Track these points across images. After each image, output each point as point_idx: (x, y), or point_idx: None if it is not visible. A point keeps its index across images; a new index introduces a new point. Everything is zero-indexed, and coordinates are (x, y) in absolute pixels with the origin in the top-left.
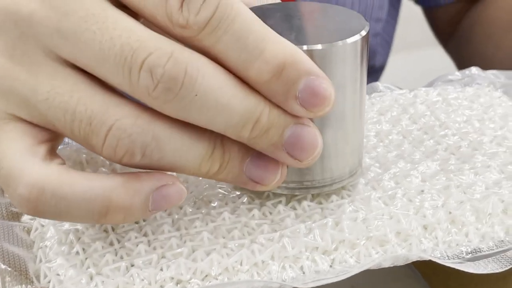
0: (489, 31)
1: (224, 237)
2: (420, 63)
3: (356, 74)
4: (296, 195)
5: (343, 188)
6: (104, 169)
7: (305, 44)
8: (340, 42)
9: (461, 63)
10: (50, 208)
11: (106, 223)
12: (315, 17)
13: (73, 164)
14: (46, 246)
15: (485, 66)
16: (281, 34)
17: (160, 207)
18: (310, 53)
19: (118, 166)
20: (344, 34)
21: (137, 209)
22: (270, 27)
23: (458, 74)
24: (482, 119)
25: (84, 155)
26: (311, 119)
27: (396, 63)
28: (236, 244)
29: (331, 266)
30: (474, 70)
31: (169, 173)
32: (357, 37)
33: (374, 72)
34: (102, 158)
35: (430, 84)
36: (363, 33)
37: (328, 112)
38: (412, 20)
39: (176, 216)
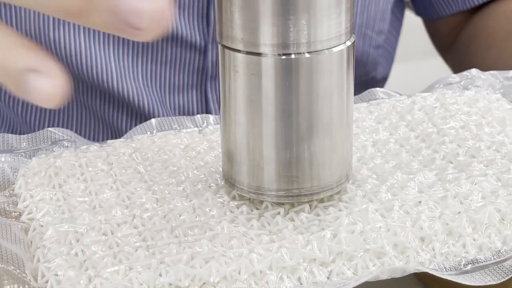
0: (489, 41)
1: (222, 246)
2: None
3: (343, 83)
4: (294, 207)
5: (340, 200)
6: (104, 168)
7: (292, 53)
8: (326, 51)
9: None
10: None
11: None
12: None
13: (71, 166)
14: (44, 246)
15: None
16: None
17: (28, 96)
18: (297, 61)
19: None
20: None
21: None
22: None
23: (457, 77)
24: (480, 124)
25: (84, 159)
26: None
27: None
28: (235, 253)
29: (328, 277)
30: (474, 72)
31: (49, 61)
32: (342, 47)
33: (375, 83)
34: (101, 161)
35: (430, 87)
36: (348, 43)
37: None
38: (415, 30)
39: (175, 223)
